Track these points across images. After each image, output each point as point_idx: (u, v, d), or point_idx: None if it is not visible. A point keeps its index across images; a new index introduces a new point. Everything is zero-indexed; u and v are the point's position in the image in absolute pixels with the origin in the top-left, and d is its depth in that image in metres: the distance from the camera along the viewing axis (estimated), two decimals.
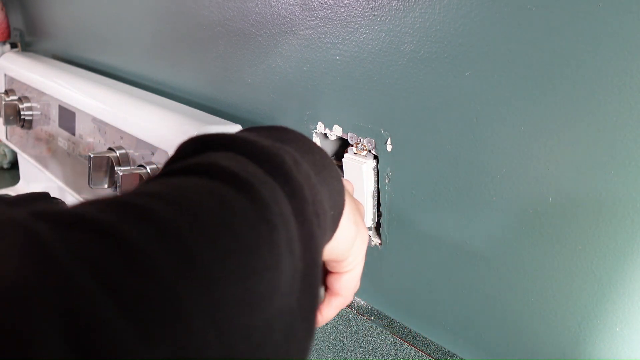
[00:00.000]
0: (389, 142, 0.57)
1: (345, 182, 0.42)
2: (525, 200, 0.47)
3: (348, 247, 0.41)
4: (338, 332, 0.68)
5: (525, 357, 0.51)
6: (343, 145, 0.67)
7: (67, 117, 0.96)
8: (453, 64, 0.49)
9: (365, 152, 0.60)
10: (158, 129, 0.75)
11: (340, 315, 0.67)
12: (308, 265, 0.30)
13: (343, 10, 0.58)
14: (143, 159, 0.76)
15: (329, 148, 0.67)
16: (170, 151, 0.70)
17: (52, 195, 0.58)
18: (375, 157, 0.59)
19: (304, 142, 0.38)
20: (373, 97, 0.57)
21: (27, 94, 1.09)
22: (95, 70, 1.10)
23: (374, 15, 0.55)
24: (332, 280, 0.44)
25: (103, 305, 0.19)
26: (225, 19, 0.75)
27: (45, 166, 1.05)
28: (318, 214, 0.33)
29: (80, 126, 0.92)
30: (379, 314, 0.65)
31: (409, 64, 0.53)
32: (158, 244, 0.23)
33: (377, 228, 0.62)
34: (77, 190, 0.94)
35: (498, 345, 0.53)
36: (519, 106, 0.46)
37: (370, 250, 0.63)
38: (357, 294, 0.68)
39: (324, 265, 0.43)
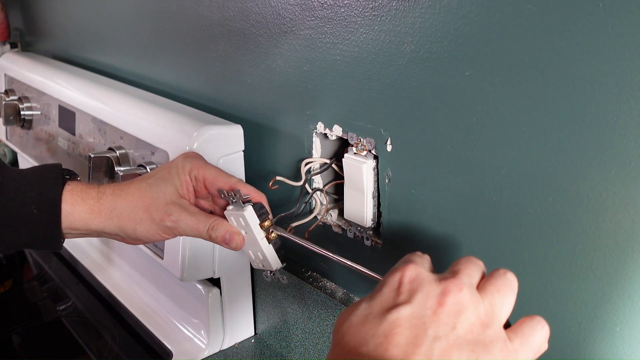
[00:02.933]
0: (389, 142, 0.57)
1: None
2: (525, 200, 0.47)
3: None
4: None
5: None
6: (343, 145, 0.66)
7: (67, 117, 0.96)
8: (453, 64, 0.49)
9: (365, 152, 0.60)
10: (158, 129, 0.75)
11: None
12: None
13: (343, 10, 0.58)
14: (143, 159, 0.76)
15: (329, 148, 0.68)
16: (170, 151, 0.71)
17: None
18: (375, 157, 0.59)
19: None
20: (373, 97, 0.57)
21: (27, 94, 1.09)
22: (95, 70, 1.10)
23: (374, 15, 0.55)
24: None
25: None
26: (225, 19, 0.75)
27: None
28: None
29: (80, 126, 0.92)
30: None
31: (409, 64, 0.53)
32: None
33: (377, 228, 0.62)
34: None
35: None
36: (519, 106, 0.46)
37: (370, 250, 0.63)
38: (357, 294, 0.68)
39: None
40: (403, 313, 0.35)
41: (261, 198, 0.58)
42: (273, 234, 0.57)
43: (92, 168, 0.77)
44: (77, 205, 0.56)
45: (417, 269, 0.38)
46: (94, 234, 0.58)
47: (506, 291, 0.38)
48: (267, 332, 0.81)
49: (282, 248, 0.59)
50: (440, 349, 0.34)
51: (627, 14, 0.38)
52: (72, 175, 0.59)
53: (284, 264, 0.59)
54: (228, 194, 0.57)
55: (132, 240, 0.59)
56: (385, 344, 0.34)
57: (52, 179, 0.56)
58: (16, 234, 0.55)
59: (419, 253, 0.41)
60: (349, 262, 0.53)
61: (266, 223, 0.57)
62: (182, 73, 0.87)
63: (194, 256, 0.70)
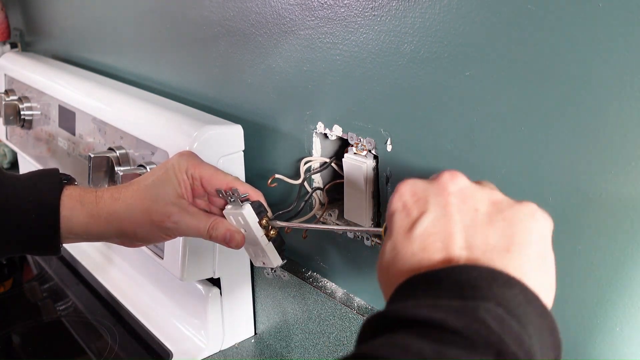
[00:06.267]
0: (389, 142, 0.57)
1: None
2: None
3: None
4: (338, 332, 0.68)
5: None
6: (343, 145, 0.67)
7: (67, 117, 0.96)
8: (453, 64, 0.49)
9: (365, 152, 0.60)
10: (158, 129, 0.75)
11: (340, 315, 0.67)
12: None
13: (343, 10, 0.58)
14: (143, 159, 0.76)
15: (329, 148, 0.68)
16: (170, 151, 0.71)
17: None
18: (375, 157, 0.59)
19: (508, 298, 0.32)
20: (373, 97, 0.57)
21: (27, 94, 1.09)
22: (95, 70, 1.10)
23: (374, 15, 0.55)
24: None
25: None
26: (225, 19, 0.75)
27: (45, 166, 1.05)
28: None
29: (80, 126, 0.92)
30: None
31: (409, 64, 0.53)
32: None
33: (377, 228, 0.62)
34: None
35: None
36: (519, 106, 0.46)
37: (370, 250, 0.63)
38: (357, 294, 0.68)
39: None
40: (425, 222, 0.36)
41: (259, 196, 0.58)
42: (272, 231, 0.57)
43: (92, 168, 0.77)
44: (75, 210, 0.55)
45: (407, 184, 0.39)
46: (93, 238, 0.58)
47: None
48: (267, 332, 0.81)
49: (282, 244, 0.59)
50: (476, 234, 0.35)
51: (627, 14, 0.38)
52: (69, 180, 0.59)
53: (285, 261, 0.59)
54: (226, 194, 0.57)
55: (132, 243, 0.59)
56: (427, 256, 0.35)
57: (50, 185, 0.56)
58: (15, 240, 0.55)
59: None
60: (349, 227, 0.54)
61: (264, 220, 0.57)
62: (182, 73, 0.87)
63: (194, 256, 0.70)
